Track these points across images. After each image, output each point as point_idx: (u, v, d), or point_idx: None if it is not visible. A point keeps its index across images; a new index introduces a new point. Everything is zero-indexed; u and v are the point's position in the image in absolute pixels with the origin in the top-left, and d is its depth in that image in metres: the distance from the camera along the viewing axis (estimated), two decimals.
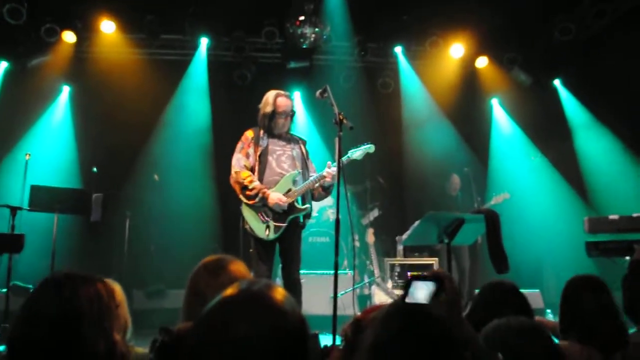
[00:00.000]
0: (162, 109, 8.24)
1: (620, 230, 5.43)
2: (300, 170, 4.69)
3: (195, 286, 2.10)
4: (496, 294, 2.55)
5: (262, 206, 4.54)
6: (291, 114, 4.73)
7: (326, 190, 4.70)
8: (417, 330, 1.35)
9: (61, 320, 1.57)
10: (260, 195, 4.50)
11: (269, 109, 4.64)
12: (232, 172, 4.62)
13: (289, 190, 4.58)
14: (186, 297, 2.12)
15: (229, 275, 2.08)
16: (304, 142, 4.92)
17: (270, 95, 4.71)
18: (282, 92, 4.76)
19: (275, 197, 4.50)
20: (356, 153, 4.63)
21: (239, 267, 2.16)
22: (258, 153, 4.62)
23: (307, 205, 4.66)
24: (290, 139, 4.82)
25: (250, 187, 4.51)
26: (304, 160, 4.79)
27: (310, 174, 4.74)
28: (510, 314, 2.16)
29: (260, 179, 4.58)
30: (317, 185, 4.65)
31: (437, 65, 8.70)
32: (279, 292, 1.21)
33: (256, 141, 4.65)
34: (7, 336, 1.60)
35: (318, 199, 4.88)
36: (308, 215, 4.75)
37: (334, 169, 4.50)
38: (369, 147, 4.66)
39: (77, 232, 7.34)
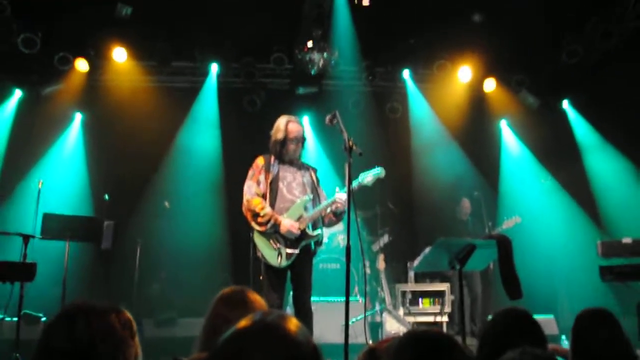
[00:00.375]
0: (173, 135, 8.32)
1: (634, 253, 5.37)
2: (312, 196, 4.70)
3: (214, 317, 2.10)
4: (508, 321, 2.51)
5: (273, 233, 4.54)
6: (302, 140, 4.75)
7: (337, 217, 4.69)
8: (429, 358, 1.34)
9: (75, 355, 1.57)
10: (272, 222, 4.50)
11: (280, 135, 4.66)
12: (244, 199, 4.62)
13: (301, 216, 4.58)
14: (204, 327, 2.12)
15: (248, 307, 2.08)
16: (315, 170, 4.94)
17: (281, 121, 4.74)
18: (293, 118, 4.79)
19: (288, 223, 4.49)
20: (367, 178, 4.61)
21: (257, 298, 2.16)
22: (269, 180, 4.63)
23: (319, 232, 4.65)
24: (301, 166, 4.84)
25: (261, 214, 4.51)
26: (315, 187, 4.80)
27: (321, 201, 4.74)
28: (522, 341, 2.13)
29: (272, 206, 4.58)
30: (328, 211, 4.64)
31: (445, 89, 8.74)
32: (293, 323, 1.22)
33: (267, 168, 4.67)
34: None
35: (329, 225, 4.87)
36: (319, 242, 4.74)
37: (343, 195, 4.50)
38: (379, 172, 4.64)
39: (88, 260, 7.36)
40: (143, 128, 7.89)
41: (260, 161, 4.72)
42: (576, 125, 8.72)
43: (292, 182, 4.69)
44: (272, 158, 4.71)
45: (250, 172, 4.71)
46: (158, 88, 8.40)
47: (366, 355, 1.87)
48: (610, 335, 2.51)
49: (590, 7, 7.61)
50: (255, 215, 4.52)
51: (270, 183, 4.62)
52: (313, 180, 4.81)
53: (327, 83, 8.70)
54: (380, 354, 1.92)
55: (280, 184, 4.64)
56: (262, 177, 4.65)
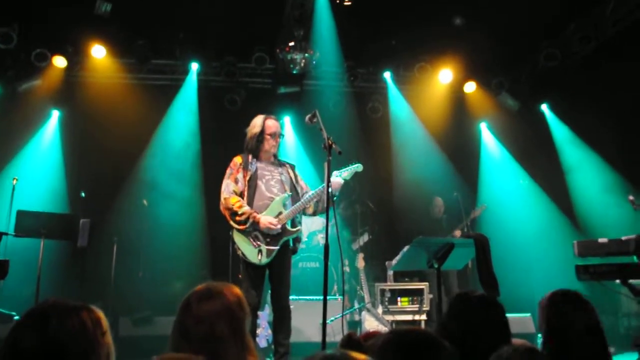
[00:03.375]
0: (151, 133, 8.25)
1: (610, 253, 5.44)
2: (290, 194, 4.69)
3: (183, 313, 2.06)
4: (463, 304, 2.48)
5: (253, 231, 4.52)
6: (279, 136, 4.76)
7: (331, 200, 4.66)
8: (413, 359, 1.34)
9: (46, 355, 1.53)
10: (250, 220, 4.48)
11: (257, 129, 4.70)
12: (222, 198, 4.61)
13: (280, 213, 4.58)
14: (174, 325, 2.07)
15: (217, 299, 2.04)
16: (293, 167, 4.95)
17: (258, 118, 4.79)
18: (270, 116, 4.82)
19: (266, 220, 4.48)
20: (344, 173, 4.65)
21: (230, 290, 2.12)
22: (247, 178, 4.62)
23: (298, 228, 4.67)
24: (278, 163, 4.85)
25: (239, 212, 4.49)
26: (293, 184, 4.80)
27: (302, 196, 4.74)
28: (481, 324, 2.16)
29: (250, 204, 4.57)
30: (311, 203, 4.64)
31: (426, 90, 8.81)
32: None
33: (245, 166, 4.66)
34: None
35: (315, 214, 4.85)
36: (298, 240, 4.76)
37: (340, 180, 4.56)
38: (357, 167, 4.71)
39: (63, 258, 7.26)
40: (121, 125, 7.80)
41: (238, 160, 4.72)
42: (554, 128, 8.84)
43: (270, 179, 4.69)
44: (250, 156, 4.71)
45: (228, 171, 4.70)
46: (137, 85, 8.31)
47: (345, 340, 1.90)
48: (586, 318, 2.49)
49: (569, 12, 7.71)
50: (234, 213, 4.51)
51: (249, 181, 4.62)
52: (291, 177, 4.82)
53: (309, 83, 8.71)
54: (358, 339, 1.95)
55: (259, 182, 4.64)
56: (240, 176, 4.64)
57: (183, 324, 2.03)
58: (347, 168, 4.67)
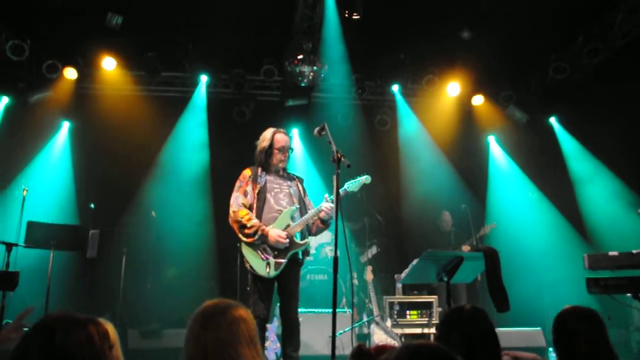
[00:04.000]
0: (161, 145, 8.29)
1: (620, 266, 5.40)
2: (298, 206, 4.69)
3: (191, 341, 2.05)
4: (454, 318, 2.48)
5: (261, 244, 4.52)
6: (288, 150, 4.77)
7: (324, 223, 4.68)
8: None
9: None
10: (259, 233, 4.48)
11: (266, 143, 4.71)
12: (230, 211, 4.60)
13: (288, 225, 4.58)
14: (184, 352, 2.07)
15: (224, 327, 2.04)
16: (301, 180, 4.96)
17: (267, 131, 4.80)
18: (280, 129, 4.83)
19: (275, 233, 4.48)
20: (353, 185, 4.64)
21: (238, 314, 2.11)
22: (256, 190, 4.63)
23: (307, 240, 4.65)
24: (287, 176, 4.86)
25: (248, 225, 4.49)
26: (301, 197, 4.81)
27: (308, 211, 4.74)
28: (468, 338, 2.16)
29: (259, 216, 4.57)
30: (315, 218, 4.64)
31: (434, 103, 8.82)
32: None
33: (254, 179, 4.67)
34: None
35: (316, 233, 4.87)
36: (307, 252, 4.74)
37: (330, 203, 4.52)
38: (366, 178, 4.68)
39: (72, 269, 7.28)
40: (131, 137, 7.86)
41: (247, 172, 4.73)
42: (563, 141, 8.82)
43: (279, 192, 4.69)
44: (259, 169, 4.72)
45: (238, 184, 4.70)
46: (147, 97, 8.37)
47: (356, 351, 1.91)
48: (596, 334, 2.50)
49: (578, 24, 7.73)
50: (243, 226, 4.50)
51: (258, 193, 4.62)
52: (300, 191, 4.82)
53: (317, 96, 8.74)
54: (368, 350, 1.95)
55: (268, 195, 4.63)
56: (249, 188, 4.64)
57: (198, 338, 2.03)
58: (355, 180, 4.66)
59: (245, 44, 7.70)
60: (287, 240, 4.49)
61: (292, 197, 4.71)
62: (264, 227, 4.50)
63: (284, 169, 4.85)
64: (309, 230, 4.74)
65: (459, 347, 2.18)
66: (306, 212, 4.71)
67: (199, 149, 8.38)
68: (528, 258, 7.80)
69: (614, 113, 7.64)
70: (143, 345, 6.55)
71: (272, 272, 4.48)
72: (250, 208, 4.60)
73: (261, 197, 4.61)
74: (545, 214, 8.44)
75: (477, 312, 2.42)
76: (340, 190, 4.37)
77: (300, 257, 4.66)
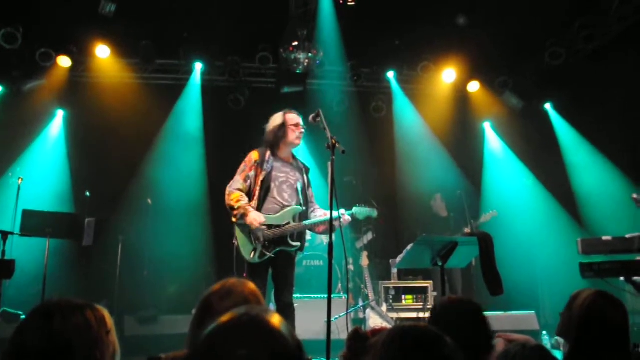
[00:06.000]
0: (156, 133, 8.27)
1: (614, 251, 5.44)
2: (304, 208, 4.67)
3: (202, 309, 2.06)
4: (450, 314, 2.49)
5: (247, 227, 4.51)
6: (302, 127, 4.71)
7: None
8: (417, 354, 1.34)
9: (51, 353, 1.53)
10: (241, 212, 4.47)
11: (278, 121, 4.68)
12: (226, 192, 4.61)
13: (287, 223, 4.57)
14: (192, 322, 2.08)
15: (237, 296, 2.05)
16: (307, 170, 4.91)
17: (277, 113, 4.78)
18: (289, 109, 4.82)
19: (253, 217, 4.44)
20: (360, 212, 4.72)
21: (248, 287, 2.13)
22: (261, 177, 4.58)
23: (298, 243, 4.62)
24: (296, 165, 4.80)
25: (236, 207, 4.49)
26: (305, 190, 4.77)
27: (310, 205, 4.75)
28: (465, 332, 2.17)
29: (261, 204, 4.56)
30: (320, 225, 4.66)
31: (430, 90, 8.82)
32: (277, 318, 1.20)
33: (260, 164, 4.62)
34: None
35: (323, 234, 4.88)
36: (301, 249, 4.74)
37: (347, 218, 4.58)
38: (372, 211, 4.81)
39: (69, 257, 7.29)
40: (126, 125, 7.83)
41: (254, 156, 4.67)
42: (558, 127, 8.83)
43: (284, 183, 4.65)
44: (268, 153, 4.66)
45: (242, 167, 4.67)
46: (142, 85, 8.34)
47: (352, 335, 1.95)
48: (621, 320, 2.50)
49: (574, 10, 7.70)
50: (232, 208, 4.52)
51: (262, 181, 4.58)
52: (304, 183, 4.79)
53: (312, 82, 8.72)
54: (365, 333, 1.97)
55: (272, 184, 4.60)
56: (252, 174, 4.61)
57: (204, 322, 2.04)
58: (364, 209, 4.74)
59: (240, 31, 7.66)
60: (260, 226, 4.45)
61: (297, 191, 4.67)
62: (248, 208, 4.48)
63: (294, 156, 4.81)
64: (312, 229, 4.75)
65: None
66: (309, 210, 4.72)
67: (194, 136, 8.37)
68: (522, 243, 7.86)
69: (609, 99, 7.65)
70: (140, 331, 6.60)
71: (255, 259, 4.49)
72: (250, 194, 4.59)
73: (264, 185, 4.57)
74: (540, 199, 8.49)
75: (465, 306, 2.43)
76: (347, 213, 4.53)
77: (292, 252, 4.66)
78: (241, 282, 2.15)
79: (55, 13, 7.10)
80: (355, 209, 4.70)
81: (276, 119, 4.72)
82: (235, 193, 4.55)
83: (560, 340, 5.80)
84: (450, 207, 7.73)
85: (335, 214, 3.98)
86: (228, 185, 4.63)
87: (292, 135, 4.67)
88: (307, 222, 4.64)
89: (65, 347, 1.54)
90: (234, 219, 4.55)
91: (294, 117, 4.72)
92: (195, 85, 8.40)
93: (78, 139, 8.18)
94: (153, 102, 8.18)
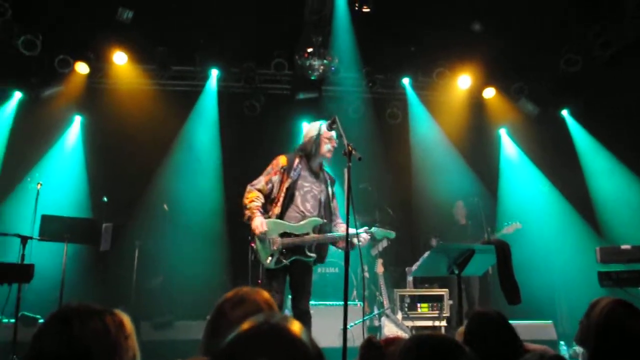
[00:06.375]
0: (172, 138, 8.34)
1: (633, 260, 5.38)
2: (325, 221, 4.68)
3: (216, 317, 2.07)
4: (481, 325, 2.49)
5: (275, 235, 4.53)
6: (335, 141, 4.70)
7: (352, 245, 4.66)
8: None
9: (69, 359, 1.54)
10: (249, 214, 4.49)
11: (314, 132, 4.69)
12: (246, 190, 4.63)
13: (307, 233, 4.57)
14: (206, 329, 2.09)
15: (251, 305, 2.06)
16: (333, 182, 4.92)
17: (315, 123, 4.79)
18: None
19: (258, 222, 4.44)
20: (379, 232, 4.75)
21: (262, 296, 2.14)
22: (286, 184, 4.59)
23: (314, 255, 4.61)
24: (322, 177, 4.80)
25: (247, 206, 4.53)
26: (329, 204, 4.77)
27: (332, 216, 4.75)
28: (495, 344, 2.15)
29: (283, 211, 4.57)
30: (338, 239, 4.67)
31: (445, 96, 8.79)
32: (296, 325, 1.20)
33: (287, 171, 4.63)
34: None
35: (341, 249, 4.88)
36: (320, 260, 4.74)
37: (366, 237, 4.58)
38: (390, 234, 4.89)
39: (86, 262, 7.35)
40: (142, 131, 7.91)
41: (282, 161, 4.68)
42: (575, 133, 8.75)
43: (308, 193, 4.66)
44: (297, 161, 4.68)
45: (267, 169, 4.69)
46: (158, 91, 8.42)
47: (366, 343, 1.93)
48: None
49: (590, 16, 7.64)
50: (244, 207, 4.56)
51: (287, 188, 4.59)
52: (329, 195, 4.79)
53: (327, 89, 8.73)
54: (378, 342, 1.97)
55: (296, 192, 4.61)
56: (276, 178, 4.63)
57: (217, 329, 2.05)
58: (383, 231, 4.79)
59: (255, 37, 7.71)
60: (263, 231, 4.43)
61: (320, 203, 4.68)
62: (256, 212, 4.48)
63: (322, 167, 4.80)
64: (333, 244, 4.76)
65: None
66: (330, 222, 4.72)
67: (210, 142, 8.42)
68: (540, 251, 7.77)
69: (626, 105, 7.57)
70: (155, 336, 6.64)
71: (271, 265, 4.50)
72: (271, 198, 4.60)
73: (289, 193, 4.58)
74: (557, 206, 8.40)
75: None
76: (366, 232, 4.57)
77: (311, 262, 4.66)
78: (254, 290, 2.16)
79: (74, 20, 7.21)
80: (374, 229, 4.71)
81: (313, 129, 4.73)
82: (253, 192, 4.58)
83: (579, 350, 5.73)
84: (469, 215, 7.66)
85: (352, 231, 3.97)
86: (250, 183, 4.65)
87: (324, 147, 4.67)
88: (327, 235, 4.64)
89: (84, 353, 1.53)
90: (244, 219, 4.58)
91: (327, 131, 4.68)
92: (212, 91, 8.45)
93: (95, 144, 8.27)
94: (169, 108, 8.25)
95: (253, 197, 4.55)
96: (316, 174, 4.75)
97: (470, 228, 7.54)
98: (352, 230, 4.39)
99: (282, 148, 4.89)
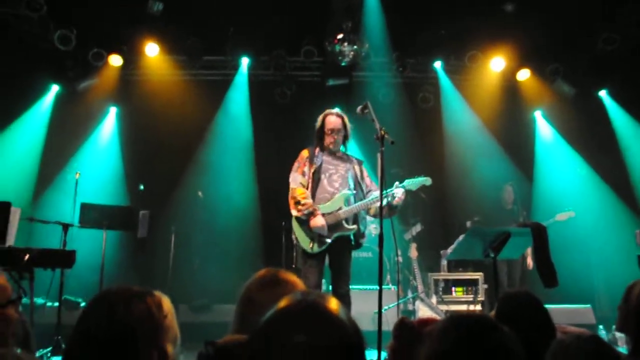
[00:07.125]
0: (205, 127, 8.44)
1: None
2: (355, 192, 4.75)
3: (244, 299, 2.09)
4: (512, 307, 2.42)
5: (306, 220, 4.62)
6: (338, 132, 4.79)
7: (392, 210, 4.68)
8: (473, 343, 1.32)
9: (115, 341, 1.54)
10: (309, 210, 4.60)
11: (318, 124, 4.86)
12: (290, 188, 4.77)
13: (340, 208, 4.66)
14: (236, 311, 2.11)
15: (279, 287, 2.07)
16: (360, 162, 4.99)
17: (322, 115, 4.90)
18: (332, 111, 4.90)
19: (319, 222, 4.58)
20: (412, 184, 4.74)
21: (291, 278, 2.15)
22: (312, 171, 4.75)
23: (354, 226, 4.70)
24: (344, 158, 4.90)
25: (302, 202, 4.64)
26: (357, 181, 4.84)
27: (367, 193, 4.79)
28: (526, 327, 2.10)
29: (313, 196, 4.70)
30: (373, 204, 4.68)
31: (478, 79, 8.63)
32: (334, 303, 1.20)
33: (311, 159, 4.79)
34: (63, 357, 1.61)
35: (375, 216, 4.89)
36: (362, 235, 4.80)
37: (400, 196, 4.60)
38: (426, 180, 4.83)
39: (124, 248, 7.56)
40: (176, 120, 8.05)
41: (305, 153, 4.86)
42: (614, 114, 8.51)
43: (333, 174, 4.78)
44: (317, 149, 4.83)
45: (296, 165, 4.85)
46: (190, 81, 8.51)
47: (399, 324, 1.95)
48: None
49: None
50: (297, 202, 4.66)
51: (313, 174, 4.74)
52: (356, 173, 4.86)
53: (358, 75, 8.67)
54: (411, 322, 1.96)
55: (322, 176, 4.75)
56: (306, 169, 4.78)
57: (244, 311, 2.07)
58: (415, 180, 4.77)
59: (284, 25, 7.70)
60: (325, 231, 4.57)
61: (347, 180, 4.78)
62: (315, 209, 4.62)
63: (339, 150, 4.88)
64: (369, 212, 4.80)
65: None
66: (363, 195, 4.78)
67: (242, 130, 8.49)
68: (577, 234, 7.59)
69: None
70: (193, 318, 6.81)
71: (315, 249, 4.62)
72: (306, 187, 4.73)
73: (316, 177, 4.74)
74: (595, 189, 8.19)
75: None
76: (400, 187, 4.60)
77: (353, 240, 4.73)
78: (281, 272, 2.17)
79: (106, 14, 7.33)
80: (406, 182, 4.72)
81: (318, 122, 4.88)
82: (300, 188, 4.72)
83: (619, 335, 5.62)
84: (516, 200, 7.42)
85: (387, 197, 3.99)
86: (290, 182, 4.78)
87: (327, 141, 4.81)
88: (359, 203, 4.69)
89: (129, 334, 1.54)
90: (297, 213, 4.67)
91: (330, 122, 4.80)
92: (243, 80, 8.51)
93: (131, 134, 8.44)
94: (201, 98, 8.34)
95: (303, 193, 4.67)
96: (338, 156, 4.86)
97: (515, 213, 7.36)
98: (398, 191, 4.51)
99: (313, 134, 4.93)
